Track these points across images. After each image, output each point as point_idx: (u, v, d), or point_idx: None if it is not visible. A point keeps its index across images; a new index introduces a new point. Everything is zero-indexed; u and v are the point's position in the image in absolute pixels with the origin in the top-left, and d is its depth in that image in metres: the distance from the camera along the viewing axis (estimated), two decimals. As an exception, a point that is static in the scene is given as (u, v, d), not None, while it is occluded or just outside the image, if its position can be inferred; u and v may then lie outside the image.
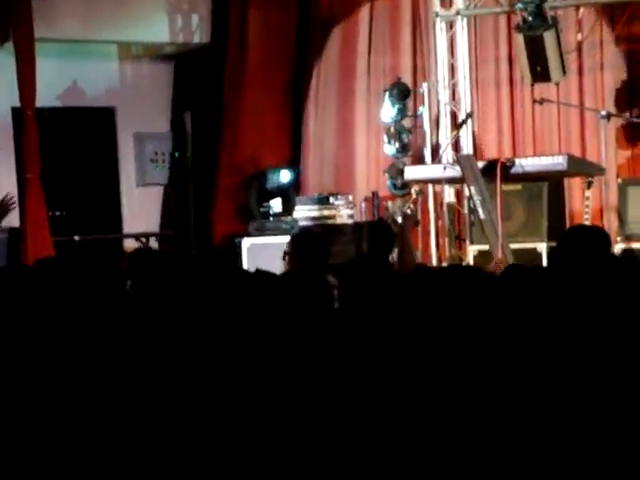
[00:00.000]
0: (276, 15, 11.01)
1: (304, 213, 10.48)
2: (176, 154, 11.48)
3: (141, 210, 11.33)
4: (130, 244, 10.57)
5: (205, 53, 11.06)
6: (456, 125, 9.86)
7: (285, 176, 10.70)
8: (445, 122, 10.27)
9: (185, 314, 4.13)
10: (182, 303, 4.40)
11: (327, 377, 3.31)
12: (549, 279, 3.63)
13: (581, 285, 3.59)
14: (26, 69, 9.73)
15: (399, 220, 9.73)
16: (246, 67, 11.00)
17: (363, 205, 10.65)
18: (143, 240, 10.92)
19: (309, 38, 11.13)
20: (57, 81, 10.70)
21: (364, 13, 10.91)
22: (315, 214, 10.48)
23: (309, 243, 5.69)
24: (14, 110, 10.33)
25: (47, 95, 10.25)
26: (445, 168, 8.77)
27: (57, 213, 10.61)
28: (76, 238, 10.18)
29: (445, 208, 10.14)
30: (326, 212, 10.49)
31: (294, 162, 11.15)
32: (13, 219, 10.07)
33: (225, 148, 11.04)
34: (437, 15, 10.20)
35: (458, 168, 8.54)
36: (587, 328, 3.35)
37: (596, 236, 4.00)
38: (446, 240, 10.05)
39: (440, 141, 10.19)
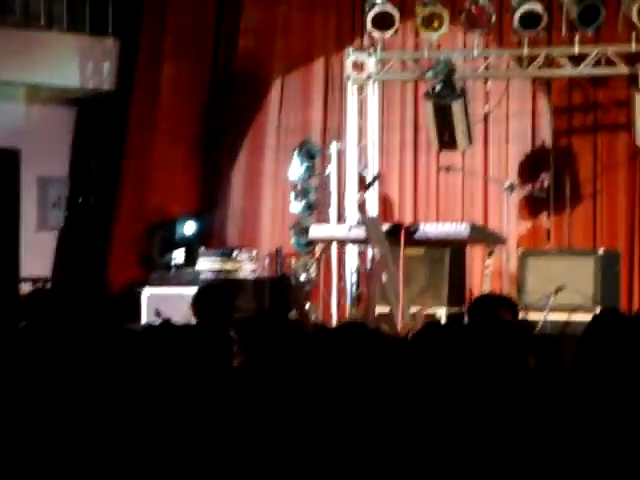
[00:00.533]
0: (189, 68, 11.02)
1: (207, 265, 10.42)
2: (79, 199, 11.35)
3: (41, 254, 11.14)
4: (27, 288, 10.37)
5: (110, 100, 11.01)
6: (363, 186, 9.96)
7: (190, 227, 10.66)
8: (352, 183, 10.36)
9: (77, 360, 4.05)
10: (76, 347, 4.32)
11: (220, 436, 3.28)
12: (453, 342, 3.69)
13: (491, 351, 3.67)
14: None
15: (297, 282, 9.75)
16: (155, 117, 10.99)
17: (266, 261, 10.64)
18: (39, 284, 10.73)
19: (222, 91, 11.16)
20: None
21: (278, 70, 11.00)
22: (218, 267, 10.43)
23: (213, 297, 5.67)
24: None
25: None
26: (350, 228, 8.84)
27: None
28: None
29: (347, 268, 10.19)
30: (229, 265, 10.44)
31: (201, 213, 11.12)
32: None
33: (128, 195, 10.97)
34: (349, 78, 10.33)
35: (363, 229, 8.62)
36: (489, 391, 3.40)
37: (506, 305, 4.14)
38: (347, 300, 10.09)
39: (346, 202, 10.27)
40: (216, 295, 5.69)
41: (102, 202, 11.03)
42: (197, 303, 5.61)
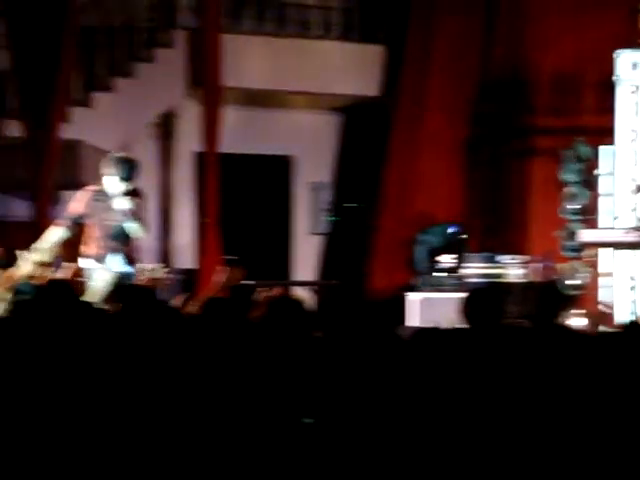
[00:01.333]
0: (457, 75, 11.01)
1: (473, 270, 10.41)
2: (345, 204, 11.64)
3: (311, 258, 11.47)
4: (298, 292, 10.68)
5: (375, 107, 11.15)
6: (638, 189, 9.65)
7: (456, 232, 10.65)
8: (624, 186, 10.04)
9: (346, 362, 4.13)
10: (345, 350, 4.41)
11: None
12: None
13: None
14: (212, 116, 10.03)
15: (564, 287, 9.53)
16: (421, 124, 11.03)
17: (534, 265, 10.49)
18: (310, 288, 11.06)
19: (488, 98, 11.09)
20: (239, 128, 10.98)
21: (546, 73, 10.83)
22: (484, 272, 10.39)
23: (484, 302, 5.64)
24: (197, 154, 10.66)
25: (229, 141, 10.53)
26: (626, 232, 8.57)
27: (230, 257, 10.83)
28: (247, 283, 10.35)
29: (620, 274, 9.87)
30: (495, 270, 10.38)
31: (467, 219, 11.10)
32: (189, 260, 10.38)
33: (393, 201, 11.07)
34: (620, 78, 10.03)
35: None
36: None
37: None
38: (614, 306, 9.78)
39: (619, 205, 9.96)
40: (487, 299, 5.66)
41: (367, 207, 11.22)
42: (468, 307, 5.60)
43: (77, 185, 9.76)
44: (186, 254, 10.67)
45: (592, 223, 10.06)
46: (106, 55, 10.04)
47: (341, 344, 4.59)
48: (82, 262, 7.45)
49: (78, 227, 7.61)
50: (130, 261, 7.52)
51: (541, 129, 10.87)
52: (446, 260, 10.53)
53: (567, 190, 10.14)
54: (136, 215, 7.50)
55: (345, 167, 11.63)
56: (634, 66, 10.00)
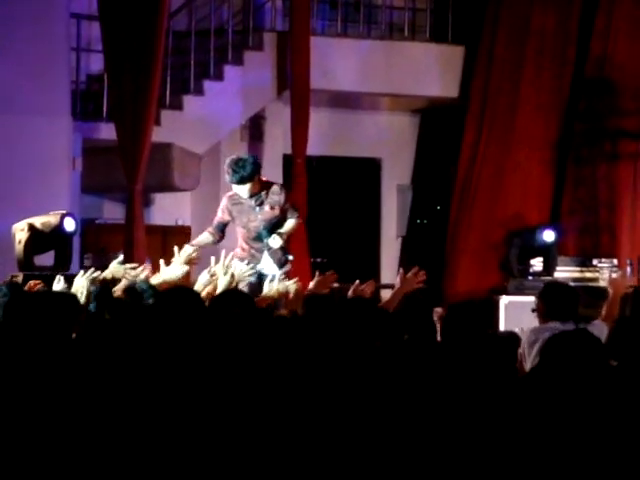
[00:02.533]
0: (549, 75, 10.83)
1: (565, 274, 10.25)
2: (433, 206, 11.58)
3: (399, 261, 11.41)
4: (385, 294, 10.64)
5: (454, 108, 11.03)
6: None
7: (548, 235, 10.49)
8: None
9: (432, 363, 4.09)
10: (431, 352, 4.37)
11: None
12: None
13: None
14: (300, 118, 10.06)
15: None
16: (515, 122, 10.88)
17: (628, 269, 10.28)
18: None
19: (582, 98, 10.91)
20: (327, 130, 10.99)
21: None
22: (576, 275, 10.23)
23: (558, 297, 5.60)
24: (285, 157, 10.69)
25: (317, 144, 10.55)
26: None
27: (318, 260, 10.84)
28: (335, 285, 10.32)
29: None
30: (588, 274, 10.21)
31: (559, 221, 10.93)
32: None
33: (483, 201, 10.93)
34: None
35: None
36: None
37: None
38: None
39: None
40: (561, 294, 5.62)
41: (451, 209, 11.11)
42: (541, 300, 5.57)
43: (168, 187, 9.90)
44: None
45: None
46: (196, 58, 10.13)
47: (433, 347, 4.56)
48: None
49: (222, 234, 7.60)
50: (283, 262, 7.49)
51: (632, 133, 10.65)
52: (538, 263, 10.38)
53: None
54: (282, 211, 7.48)
55: (429, 169, 11.56)
56: None
